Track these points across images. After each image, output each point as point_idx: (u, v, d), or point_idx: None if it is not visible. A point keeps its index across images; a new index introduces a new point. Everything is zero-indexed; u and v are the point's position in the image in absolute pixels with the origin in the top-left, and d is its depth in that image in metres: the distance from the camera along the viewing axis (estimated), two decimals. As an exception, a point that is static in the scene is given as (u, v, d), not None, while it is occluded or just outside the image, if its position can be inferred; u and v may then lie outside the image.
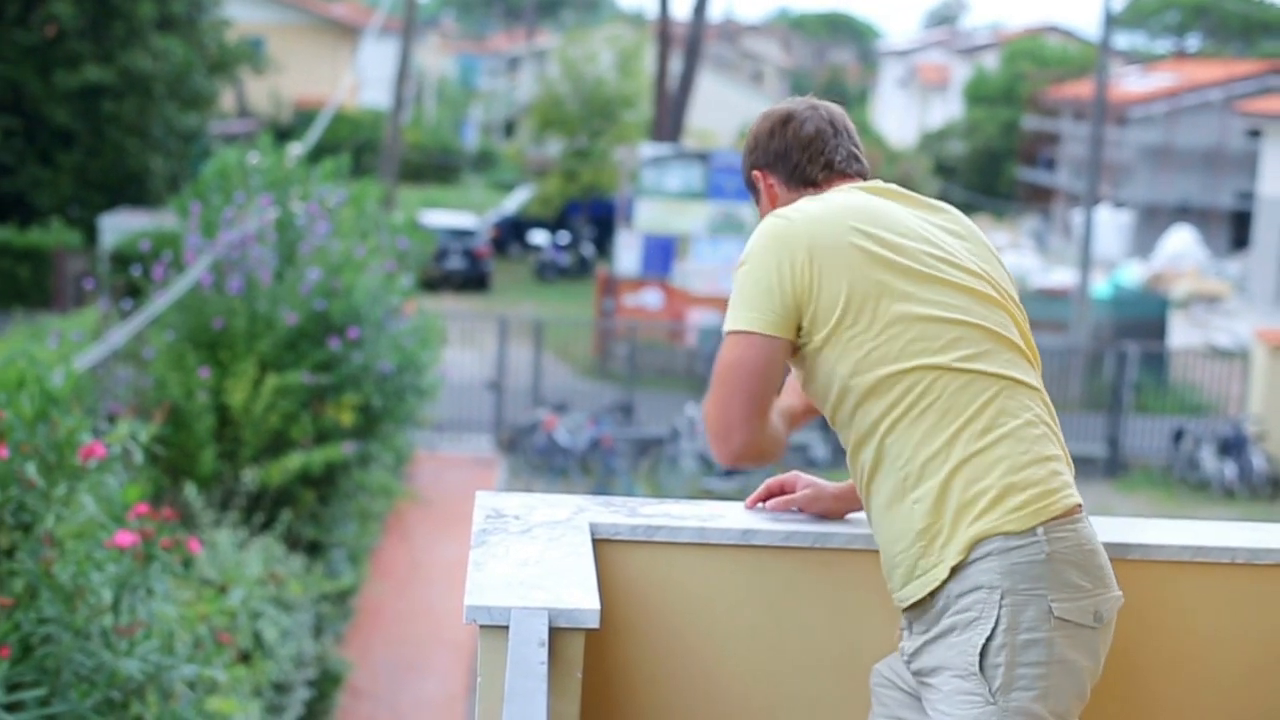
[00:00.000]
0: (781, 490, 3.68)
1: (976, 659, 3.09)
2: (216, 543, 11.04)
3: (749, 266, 3.32)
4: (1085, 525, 3.21)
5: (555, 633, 2.85)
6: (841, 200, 3.37)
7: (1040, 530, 3.12)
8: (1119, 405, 24.89)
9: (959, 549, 3.12)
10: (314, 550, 13.93)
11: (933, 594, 3.18)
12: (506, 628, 2.85)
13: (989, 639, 3.09)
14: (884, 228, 3.28)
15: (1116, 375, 25.52)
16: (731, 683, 3.52)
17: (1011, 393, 3.21)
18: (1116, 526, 3.75)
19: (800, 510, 3.63)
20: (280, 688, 11.53)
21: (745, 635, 3.51)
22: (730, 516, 3.57)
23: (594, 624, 2.95)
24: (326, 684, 13.19)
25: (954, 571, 3.14)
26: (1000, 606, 3.09)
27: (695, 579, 3.49)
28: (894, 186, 3.46)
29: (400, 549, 18.31)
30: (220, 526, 11.85)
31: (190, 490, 11.62)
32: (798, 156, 3.51)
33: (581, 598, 2.99)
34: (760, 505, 3.68)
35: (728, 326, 3.30)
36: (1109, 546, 3.47)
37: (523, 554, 3.25)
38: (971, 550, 3.12)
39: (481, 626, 2.95)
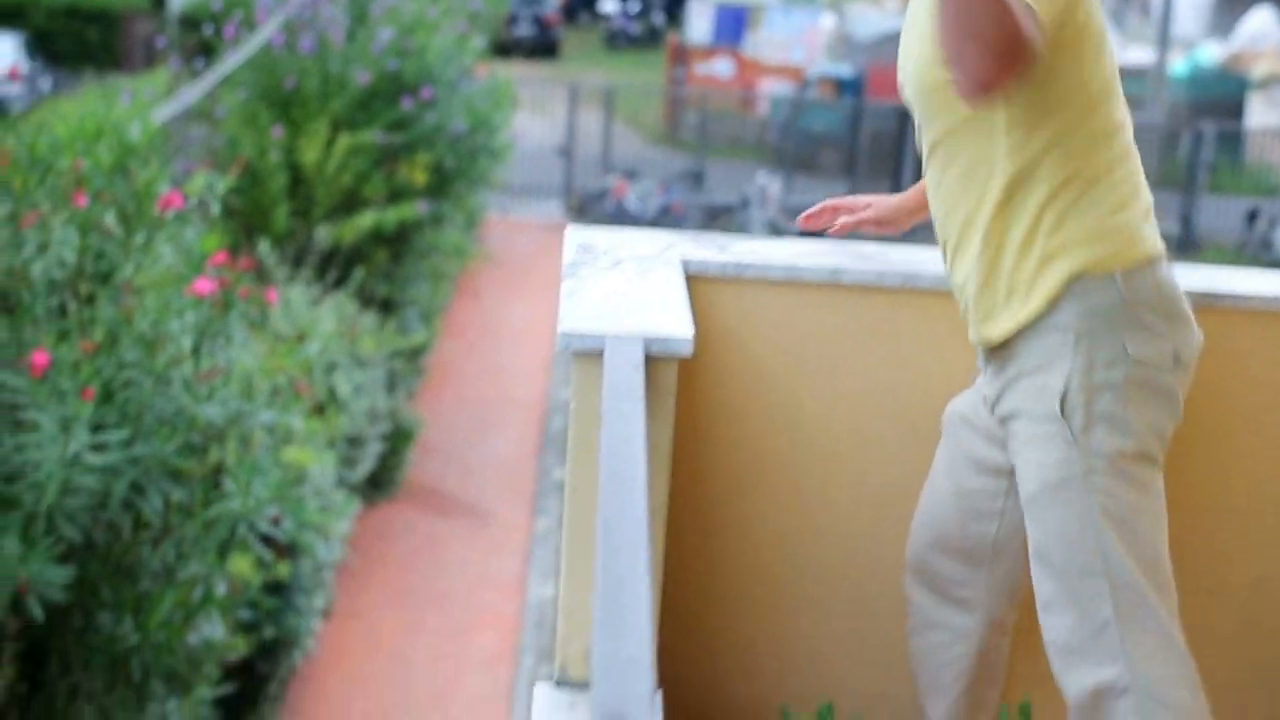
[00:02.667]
0: (836, 211, 3.59)
1: (1057, 403, 3.08)
2: (290, 299, 11.13)
3: None
4: (1162, 271, 3.17)
5: (649, 361, 2.86)
6: None
7: (1118, 275, 3.10)
8: (1194, 184, 24.62)
9: (1043, 292, 3.11)
10: (386, 308, 14.02)
11: (1011, 337, 3.17)
12: (600, 354, 2.85)
13: (1066, 382, 3.08)
14: None
15: (1192, 154, 25.21)
16: (817, 420, 3.53)
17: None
18: (1206, 275, 3.72)
19: (875, 228, 3.56)
20: (354, 441, 11.69)
21: (833, 374, 3.51)
22: (820, 255, 3.55)
23: (687, 352, 2.95)
24: (398, 439, 13.36)
25: (1034, 315, 3.12)
26: (1076, 349, 3.08)
27: (784, 316, 3.48)
28: None
29: (472, 309, 18.40)
30: (293, 283, 11.92)
31: (264, 247, 11.67)
32: None
33: (675, 326, 2.99)
34: (823, 229, 3.58)
35: None
36: (1198, 295, 3.46)
37: (614, 285, 3.25)
38: (1053, 294, 3.11)
39: (575, 353, 2.96)
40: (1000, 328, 3.17)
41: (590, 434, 2.93)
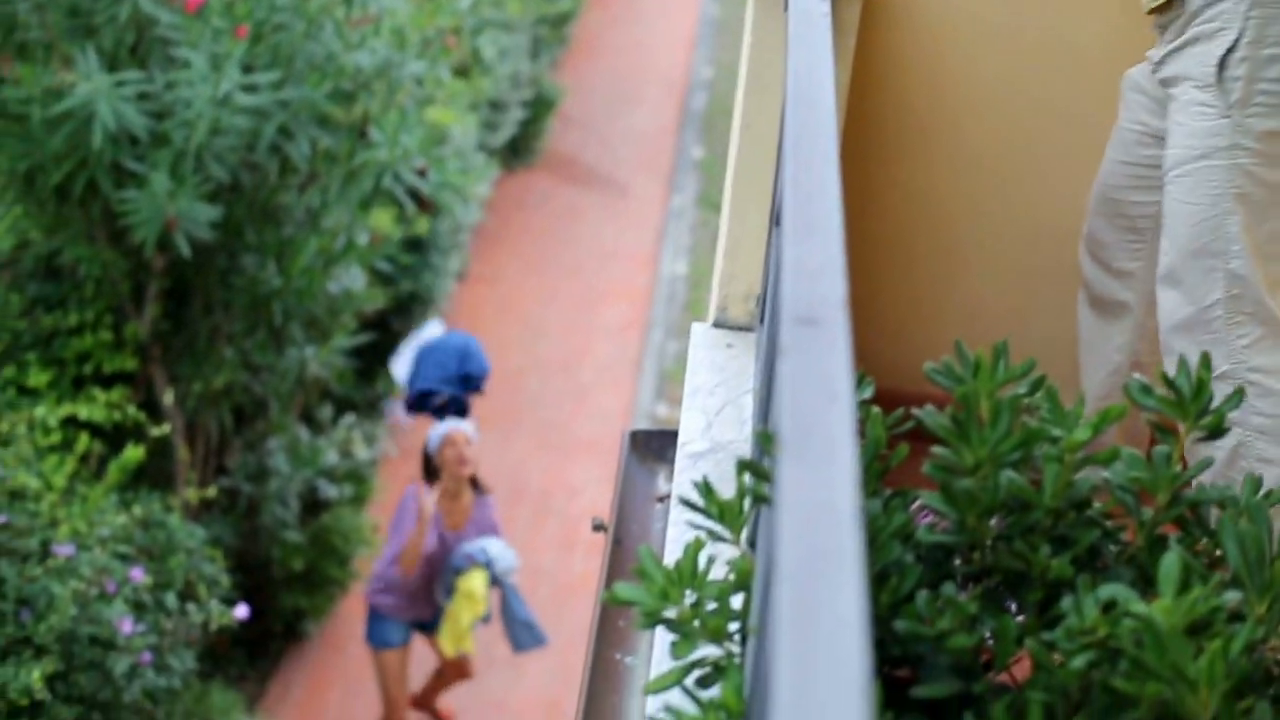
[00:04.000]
0: None
1: (1215, 69, 2.98)
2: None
3: None
4: None
5: (832, -3, 2.78)
6: None
7: None
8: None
9: None
10: (533, -27, 13.87)
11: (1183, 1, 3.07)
12: (783, -13, 2.78)
13: (1230, 50, 2.98)
14: None
15: None
16: (994, 80, 3.45)
17: None
18: None
19: None
20: (496, 105, 11.65)
21: (1014, 33, 3.42)
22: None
23: (871, -10, 2.89)
24: (539, 107, 13.31)
25: None
26: (1247, 18, 2.97)
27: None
28: None
29: (618, -19, 18.18)
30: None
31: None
32: None
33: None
34: None
35: None
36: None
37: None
38: None
39: (754, -13, 2.90)
40: None
41: (766, 69, 2.87)
